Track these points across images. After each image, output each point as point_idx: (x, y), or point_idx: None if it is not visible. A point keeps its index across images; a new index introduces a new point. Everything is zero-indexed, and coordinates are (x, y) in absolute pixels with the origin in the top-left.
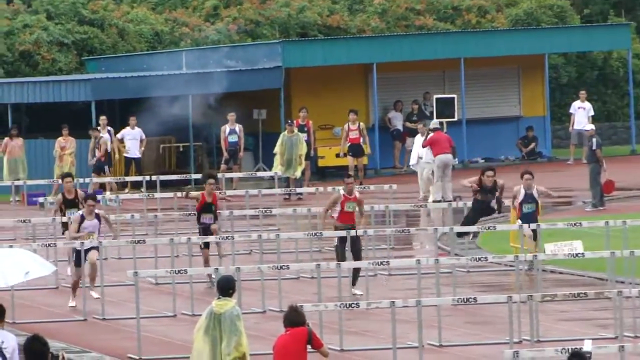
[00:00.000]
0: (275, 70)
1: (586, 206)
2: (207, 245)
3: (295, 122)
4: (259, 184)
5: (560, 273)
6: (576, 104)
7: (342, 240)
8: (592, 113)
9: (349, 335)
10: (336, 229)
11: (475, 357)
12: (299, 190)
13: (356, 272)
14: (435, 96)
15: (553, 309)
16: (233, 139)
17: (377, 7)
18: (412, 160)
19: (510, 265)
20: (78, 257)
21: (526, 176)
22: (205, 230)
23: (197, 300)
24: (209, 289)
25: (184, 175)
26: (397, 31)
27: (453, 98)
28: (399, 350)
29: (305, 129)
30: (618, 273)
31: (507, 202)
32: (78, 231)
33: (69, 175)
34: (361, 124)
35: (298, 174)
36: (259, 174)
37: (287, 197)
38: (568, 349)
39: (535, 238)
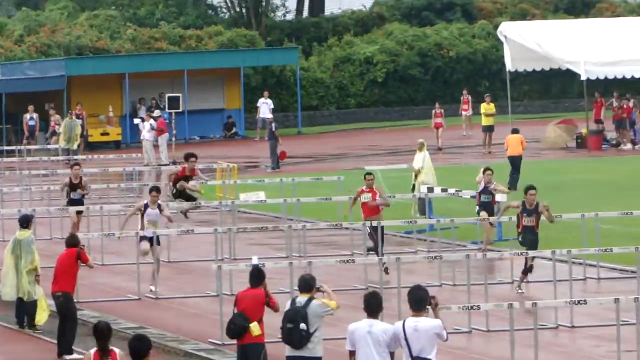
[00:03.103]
0: (60, 77)
1: (267, 169)
2: None
3: (73, 112)
4: (49, 153)
5: (250, 213)
6: (262, 100)
7: None
8: (272, 107)
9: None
10: None
11: (194, 269)
12: (75, 157)
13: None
14: (167, 95)
15: (245, 237)
16: (32, 122)
17: (129, 36)
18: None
19: (216, 208)
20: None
21: (487, 172)
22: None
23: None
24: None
25: None
26: (142, 51)
27: (179, 96)
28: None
29: (80, 117)
30: (289, 213)
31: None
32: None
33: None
34: (57, 116)
35: (75, 146)
36: (49, 146)
37: (67, 162)
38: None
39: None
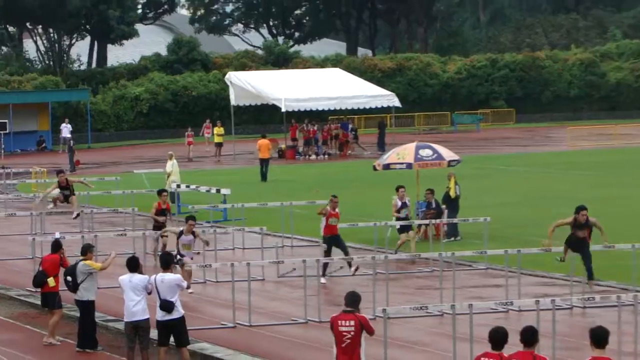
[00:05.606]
0: None
1: (67, 172)
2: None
3: None
4: None
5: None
6: (64, 124)
7: None
8: (71, 129)
9: None
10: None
11: (16, 240)
12: None
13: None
14: None
15: (52, 218)
16: None
17: None
18: None
19: (31, 199)
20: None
21: (401, 189)
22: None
23: None
24: None
25: None
26: None
27: (6, 122)
28: None
29: None
30: (82, 202)
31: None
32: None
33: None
34: None
35: None
36: None
37: None
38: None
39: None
